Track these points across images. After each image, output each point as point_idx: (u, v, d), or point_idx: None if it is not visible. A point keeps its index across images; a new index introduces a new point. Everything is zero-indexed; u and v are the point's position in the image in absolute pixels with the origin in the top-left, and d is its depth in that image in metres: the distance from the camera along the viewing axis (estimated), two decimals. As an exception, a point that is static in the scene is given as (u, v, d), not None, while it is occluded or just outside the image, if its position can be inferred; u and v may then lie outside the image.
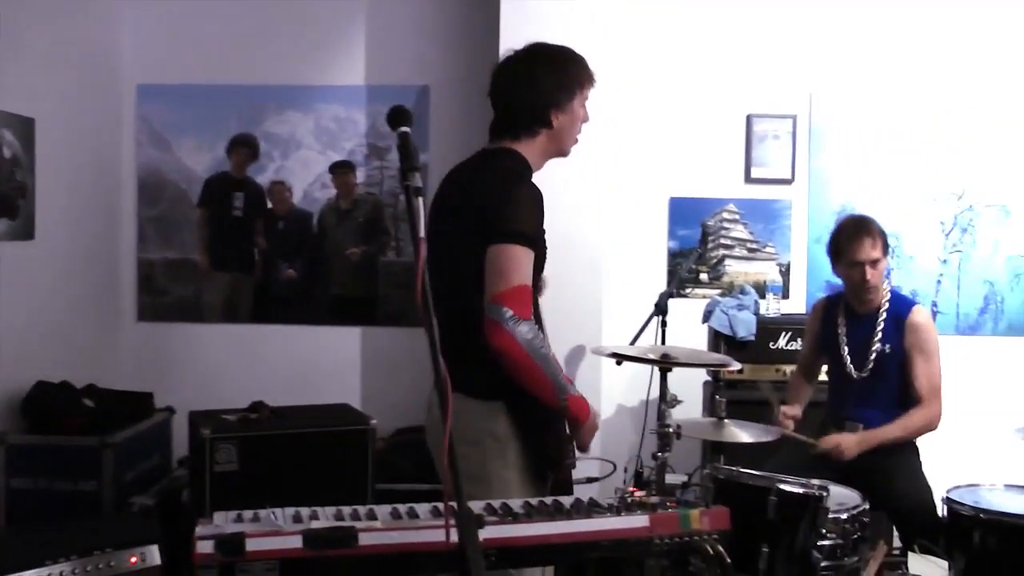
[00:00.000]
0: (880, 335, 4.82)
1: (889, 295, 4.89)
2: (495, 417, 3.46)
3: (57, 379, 5.62)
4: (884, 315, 4.84)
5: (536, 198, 3.44)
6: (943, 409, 4.79)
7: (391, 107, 2.70)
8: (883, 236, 4.85)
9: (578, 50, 4.99)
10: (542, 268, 3.49)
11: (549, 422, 3.48)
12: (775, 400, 5.01)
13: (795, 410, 5.07)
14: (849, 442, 4.71)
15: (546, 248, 3.47)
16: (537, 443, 3.49)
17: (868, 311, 4.90)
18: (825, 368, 5.25)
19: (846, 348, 4.93)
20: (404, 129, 2.62)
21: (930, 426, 4.79)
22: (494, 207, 3.39)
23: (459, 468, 2.33)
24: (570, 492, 3.52)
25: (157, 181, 6.73)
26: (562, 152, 3.74)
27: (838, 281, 5.12)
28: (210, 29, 6.68)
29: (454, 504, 2.31)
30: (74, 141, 6.14)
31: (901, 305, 4.87)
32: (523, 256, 3.32)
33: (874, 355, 4.82)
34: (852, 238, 4.83)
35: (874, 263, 4.80)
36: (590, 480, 4.72)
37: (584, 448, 3.54)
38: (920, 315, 4.83)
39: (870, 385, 4.83)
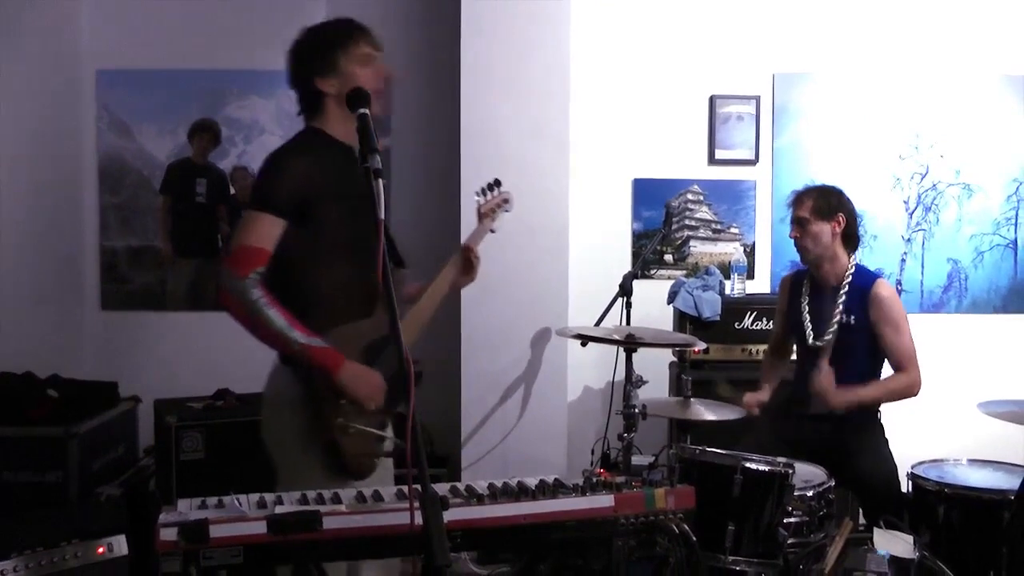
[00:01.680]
0: (842, 306, 4.84)
1: (853, 268, 4.91)
2: (280, 379, 3.54)
3: (20, 370, 5.58)
4: (847, 287, 4.86)
5: (285, 167, 3.47)
6: (921, 377, 4.79)
7: (350, 89, 2.70)
8: (821, 200, 4.92)
9: (542, 32, 5.03)
10: (347, 229, 3.50)
11: (320, 382, 3.43)
12: (736, 397, 5.04)
13: (761, 395, 5.09)
14: (837, 393, 4.70)
15: (335, 212, 3.48)
16: (312, 404, 3.45)
17: (832, 283, 4.92)
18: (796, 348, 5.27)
19: (808, 318, 4.96)
20: (363, 111, 2.62)
21: (910, 390, 4.78)
22: None
23: (421, 448, 2.33)
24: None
25: (118, 168, 6.68)
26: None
27: (799, 262, 5.14)
28: (170, 14, 6.62)
29: (419, 487, 2.31)
30: (33, 128, 6.10)
31: (864, 278, 4.89)
32: (254, 219, 3.39)
33: (835, 325, 4.84)
34: (790, 199, 5.06)
35: (800, 222, 4.90)
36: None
37: (362, 402, 3.43)
38: (883, 288, 4.84)
39: (835, 358, 4.83)
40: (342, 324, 3.49)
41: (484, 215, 4.13)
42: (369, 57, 3.67)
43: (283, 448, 3.55)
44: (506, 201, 4.23)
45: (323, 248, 3.48)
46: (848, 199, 4.97)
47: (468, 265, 4.03)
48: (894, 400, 4.85)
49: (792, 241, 5.01)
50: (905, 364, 4.79)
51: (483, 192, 4.17)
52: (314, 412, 3.44)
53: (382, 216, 2.43)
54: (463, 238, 5.76)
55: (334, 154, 3.57)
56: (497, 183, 4.20)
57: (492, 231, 4.18)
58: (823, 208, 4.88)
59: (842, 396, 4.71)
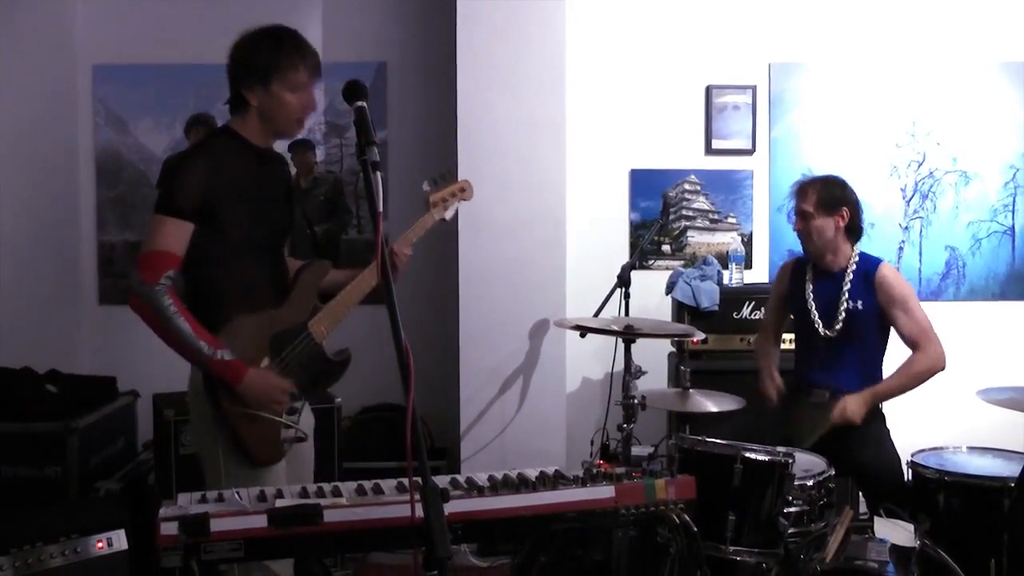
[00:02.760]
0: (847, 293, 4.82)
1: (857, 256, 4.90)
2: (194, 371, 3.65)
3: (18, 365, 5.57)
4: (851, 274, 4.85)
5: (186, 170, 3.53)
6: (943, 349, 4.78)
7: (347, 81, 2.69)
8: (824, 192, 4.89)
9: (538, 23, 4.99)
10: (252, 227, 3.61)
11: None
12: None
13: (776, 383, 5.09)
14: (853, 405, 4.68)
15: (239, 211, 3.56)
16: (216, 395, 3.55)
17: (835, 270, 4.91)
18: (791, 336, 5.27)
19: (813, 305, 4.92)
20: (360, 103, 2.62)
21: (935, 367, 4.76)
22: None
23: (421, 440, 2.33)
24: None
25: (115, 162, 6.67)
26: (278, 134, 3.77)
27: (799, 250, 5.13)
28: (165, 8, 6.62)
29: (419, 479, 2.31)
30: (30, 124, 6.09)
31: (868, 264, 4.87)
32: (161, 224, 3.45)
33: (843, 313, 4.82)
34: (793, 189, 5.06)
35: (803, 215, 4.89)
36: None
37: (257, 407, 3.53)
38: (887, 270, 4.83)
39: (839, 347, 4.83)
40: (250, 314, 3.60)
41: (433, 204, 4.12)
42: (302, 85, 3.65)
43: (200, 438, 3.71)
44: (463, 190, 4.25)
45: (230, 245, 3.56)
46: (852, 190, 4.94)
47: (393, 265, 3.96)
48: (922, 382, 4.79)
49: (789, 229, 5.01)
50: (922, 341, 4.76)
51: (434, 182, 4.19)
52: (218, 402, 3.54)
53: (380, 208, 2.43)
54: (460, 233, 5.79)
55: (243, 155, 3.64)
56: (449, 173, 4.31)
57: (445, 219, 4.18)
58: (827, 202, 4.85)
59: (863, 405, 4.69)
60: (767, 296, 5.57)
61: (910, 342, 4.80)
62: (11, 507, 5.00)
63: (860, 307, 4.81)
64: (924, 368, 4.76)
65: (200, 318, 3.48)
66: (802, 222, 4.90)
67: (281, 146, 6.57)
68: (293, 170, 6.55)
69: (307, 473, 3.91)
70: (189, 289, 3.61)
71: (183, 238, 3.46)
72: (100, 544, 4.05)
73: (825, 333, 4.86)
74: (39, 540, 3.90)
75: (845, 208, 4.87)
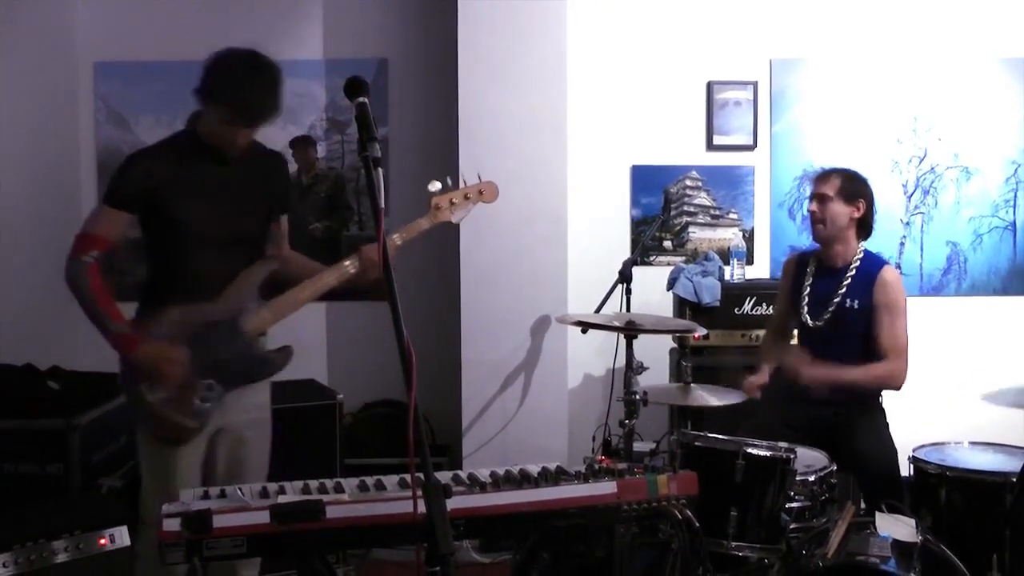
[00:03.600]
0: (845, 289, 4.83)
1: (862, 253, 4.91)
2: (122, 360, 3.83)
3: (20, 362, 5.57)
4: (854, 271, 4.86)
5: (131, 166, 3.80)
6: (907, 370, 4.77)
7: (348, 78, 2.69)
8: (848, 182, 4.91)
9: (539, 20, 4.98)
10: (193, 222, 3.78)
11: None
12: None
13: (761, 377, 5.09)
14: (811, 367, 4.70)
15: (182, 206, 3.76)
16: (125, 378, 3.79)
17: (839, 265, 4.92)
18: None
19: (807, 298, 4.96)
20: (362, 100, 2.62)
21: (891, 380, 4.76)
22: None
23: (423, 436, 2.33)
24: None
25: (117, 160, 6.54)
26: (214, 145, 3.86)
27: (800, 245, 5.14)
28: (166, 5, 6.62)
29: (421, 475, 2.31)
30: (31, 121, 6.08)
31: (872, 263, 4.89)
32: (97, 211, 3.84)
33: (833, 307, 4.84)
34: (815, 175, 5.10)
35: (822, 198, 4.89)
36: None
37: (151, 379, 3.68)
38: (891, 274, 4.85)
39: (830, 339, 4.84)
40: (181, 304, 3.78)
41: (436, 207, 4.11)
42: (228, 124, 3.76)
43: (134, 423, 3.94)
44: (480, 193, 4.25)
45: (178, 239, 3.79)
46: (871, 189, 4.96)
47: (365, 269, 3.98)
48: (874, 387, 4.83)
49: (790, 225, 5.01)
50: (893, 353, 4.75)
51: (445, 184, 4.16)
52: (127, 381, 3.77)
53: (382, 205, 2.43)
54: (461, 230, 5.80)
55: (195, 155, 3.84)
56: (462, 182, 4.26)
57: (451, 222, 4.21)
58: (848, 191, 4.87)
59: (815, 371, 4.70)
60: (769, 292, 5.58)
61: (883, 349, 4.78)
62: (13, 504, 5.00)
63: (856, 306, 4.81)
64: (882, 375, 4.76)
65: (149, 302, 3.85)
66: (819, 205, 4.90)
67: (282, 142, 6.61)
68: (293, 167, 6.59)
69: (249, 468, 4.02)
70: (147, 275, 3.95)
71: (115, 226, 3.75)
72: (103, 541, 4.05)
73: (814, 324, 4.87)
74: (42, 537, 3.90)
75: (862, 201, 4.90)
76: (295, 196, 6.38)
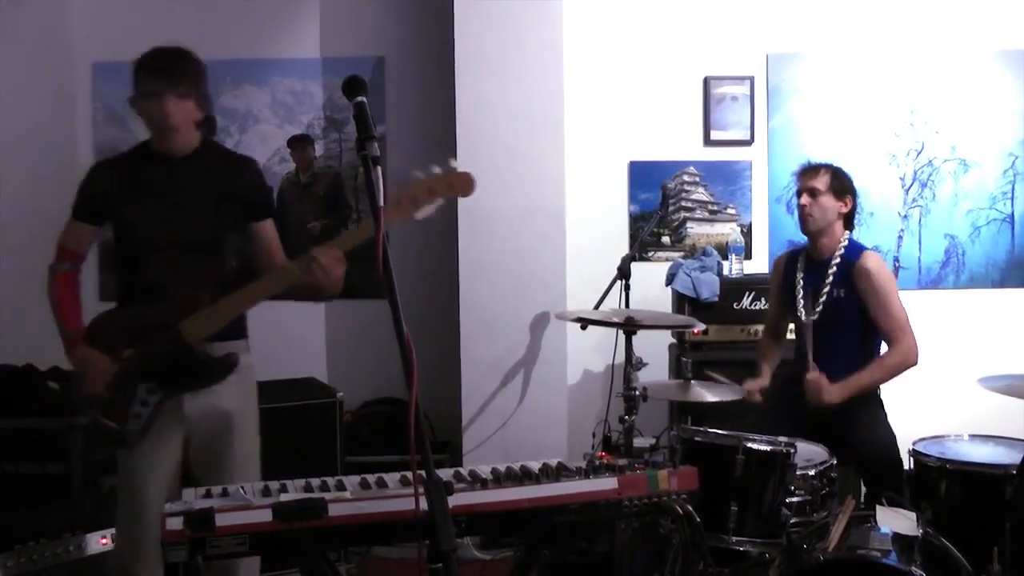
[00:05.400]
0: (831, 279, 4.89)
1: (846, 242, 4.97)
2: None
3: (21, 362, 5.58)
4: (838, 260, 4.92)
5: (88, 177, 3.94)
6: (916, 343, 4.80)
7: (347, 77, 2.69)
8: (836, 179, 4.98)
9: (536, 16, 4.99)
10: (141, 227, 3.83)
11: None
12: (723, 379, 5.06)
13: (762, 380, 5.11)
14: (830, 389, 4.71)
15: (130, 213, 3.84)
16: None
17: (825, 257, 4.97)
18: (793, 326, 5.29)
19: (800, 293, 5.00)
20: (360, 98, 2.62)
21: (907, 362, 4.79)
22: None
23: (424, 433, 2.34)
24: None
25: None
26: (161, 141, 3.90)
27: (799, 240, 5.16)
28: (164, 5, 6.61)
29: (423, 472, 2.31)
30: (30, 122, 6.09)
31: (853, 252, 4.94)
32: (67, 223, 3.93)
33: (824, 297, 4.89)
34: (803, 168, 5.11)
35: (812, 192, 4.94)
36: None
37: (89, 389, 3.74)
38: (868, 260, 4.87)
39: (827, 332, 4.87)
40: (118, 308, 3.93)
41: (395, 202, 3.56)
42: (152, 94, 3.81)
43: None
44: (450, 185, 3.68)
45: (132, 244, 3.87)
46: (855, 186, 5.07)
47: (312, 271, 3.71)
48: (895, 375, 4.85)
49: (788, 220, 5.02)
50: (896, 333, 4.80)
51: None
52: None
53: (382, 203, 2.43)
54: (459, 227, 5.81)
55: (144, 160, 3.89)
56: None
57: (415, 218, 3.61)
58: (836, 187, 4.96)
59: (838, 391, 4.72)
60: (767, 286, 5.58)
61: (885, 334, 4.85)
62: (14, 504, 5.01)
63: (842, 295, 4.87)
64: (896, 362, 4.81)
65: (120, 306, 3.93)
66: (809, 199, 4.95)
67: (280, 141, 6.61)
68: (291, 166, 6.58)
69: (230, 476, 3.85)
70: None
71: (79, 236, 3.91)
72: (103, 540, 4.07)
73: (807, 318, 4.89)
74: (43, 536, 3.91)
75: (850, 197, 4.99)
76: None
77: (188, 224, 3.85)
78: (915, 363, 4.81)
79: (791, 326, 5.34)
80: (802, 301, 4.96)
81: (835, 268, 4.90)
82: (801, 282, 5.02)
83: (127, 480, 3.78)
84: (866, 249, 4.99)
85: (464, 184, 3.70)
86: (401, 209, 3.56)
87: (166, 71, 3.82)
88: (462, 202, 5.70)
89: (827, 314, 4.88)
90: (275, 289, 3.79)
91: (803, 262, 5.08)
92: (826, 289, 4.89)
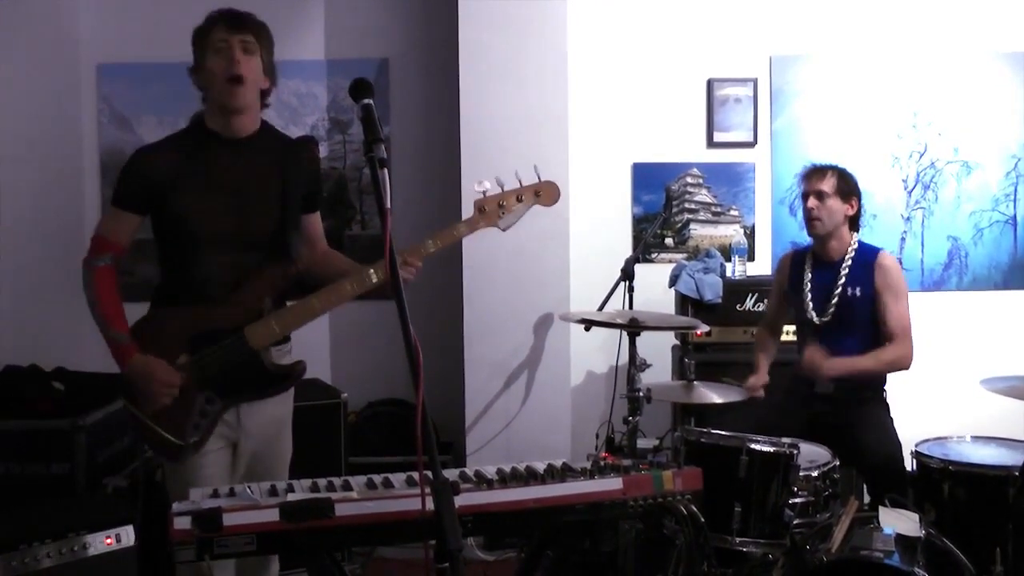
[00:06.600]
0: (845, 279, 4.90)
1: (856, 243, 4.99)
2: None
3: (25, 363, 5.58)
4: (850, 261, 4.94)
5: (135, 164, 3.63)
6: (914, 351, 4.84)
7: (353, 79, 2.71)
8: (842, 181, 5.00)
9: (539, 18, 4.99)
10: (203, 218, 3.54)
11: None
12: (737, 383, 5.08)
13: (762, 376, 5.13)
14: (828, 361, 4.75)
15: (190, 202, 3.54)
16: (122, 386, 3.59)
17: (835, 259, 4.97)
18: (793, 328, 5.30)
19: (809, 294, 5.01)
20: (367, 101, 2.64)
21: (901, 362, 4.84)
22: None
23: (430, 434, 2.35)
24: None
25: (120, 161, 6.55)
26: (222, 108, 3.65)
27: (802, 242, 5.17)
28: (168, 6, 6.60)
29: (429, 472, 2.33)
30: (35, 123, 6.09)
31: (867, 252, 4.97)
32: (108, 213, 3.68)
33: (836, 299, 4.90)
34: (808, 171, 5.10)
35: (819, 195, 4.95)
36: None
37: (141, 394, 3.49)
38: (888, 259, 4.95)
39: (836, 333, 4.89)
40: (174, 308, 3.60)
41: (482, 211, 3.75)
42: (221, 43, 3.64)
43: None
44: (537, 194, 3.90)
45: (178, 235, 3.56)
46: (859, 188, 5.07)
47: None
48: (885, 371, 4.91)
49: (791, 221, 5.03)
50: (899, 334, 4.84)
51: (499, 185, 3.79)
52: (126, 395, 3.57)
53: (388, 205, 2.44)
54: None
55: (201, 144, 3.64)
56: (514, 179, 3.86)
57: (500, 229, 3.80)
58: (843, 188, 4.97)
59: (833, 365, 4.76)
60: (770, 288, 5.59)
61: (888, 332, 4.86)
62: (19, 504, 5.01)
63: (857, 293, 4.88)
64: (892, 358, 4.85)
65: (156, 306, 3.67)
66: (816, 201, 4.96)
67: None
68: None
69: (273, 474, 3.73)
70: (159, 277, 3.74)
71: (123, 227, 3.61)
72: (109, 540, 4.07)
73: (820, 320, 4.90)
74: (48, 537, 3.92)
75: (855, 198, 5.01)
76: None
77: (251, 213, 3.57)
78: (908, 367, 4.85)
79: (792, 327, 5.35)
80: (811, 303, 4.98)
81: (848, 268, 4.91)
82: (809, 284, 5.03)
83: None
84: (881, 249, 5.02)
85: (550, 193, 3.91)
86: (487, 217, 3.69)
87: (244, 21, 3.67)
88: (465, 203, 5.72)
89: (839, 314, 4.90)
90: (349, 294, 3.54)
91: (811, 263, 5.09)
92: (838, 290, 4.90)
